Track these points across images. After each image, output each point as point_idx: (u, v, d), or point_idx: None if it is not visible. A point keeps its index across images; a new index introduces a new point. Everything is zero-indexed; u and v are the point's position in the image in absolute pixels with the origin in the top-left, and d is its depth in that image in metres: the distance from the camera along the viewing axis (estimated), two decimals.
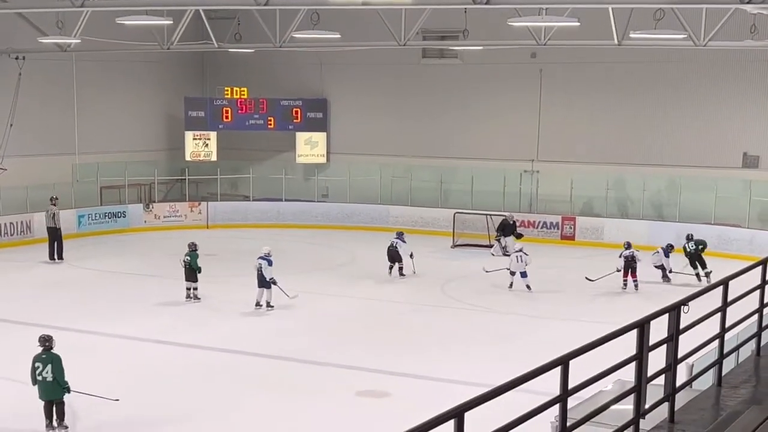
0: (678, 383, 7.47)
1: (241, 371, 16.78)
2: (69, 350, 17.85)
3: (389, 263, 25.37)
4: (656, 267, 24.87)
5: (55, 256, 27.24)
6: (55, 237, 27.36)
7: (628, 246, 24.15)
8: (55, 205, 27.72)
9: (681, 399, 7.70)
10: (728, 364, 8.80)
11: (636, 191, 31.36)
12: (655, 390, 7.22)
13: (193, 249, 21.99)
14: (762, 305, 9.33)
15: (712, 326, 8.18)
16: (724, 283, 8.17)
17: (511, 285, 23.87)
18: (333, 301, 22.56)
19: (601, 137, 32.30)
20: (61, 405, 13.37)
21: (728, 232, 28.51)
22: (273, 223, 33.79)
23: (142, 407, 14.81)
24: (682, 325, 7.26)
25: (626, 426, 6.72)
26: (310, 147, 36.43)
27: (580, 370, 6.06)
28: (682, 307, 7.22)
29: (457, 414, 4.72)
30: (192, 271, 21.84)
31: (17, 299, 22.47)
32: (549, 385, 6.10)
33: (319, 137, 36.45)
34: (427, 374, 16.46)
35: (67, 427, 13.45)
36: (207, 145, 35.75)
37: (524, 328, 20.34)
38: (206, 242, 30.73)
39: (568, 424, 5.87)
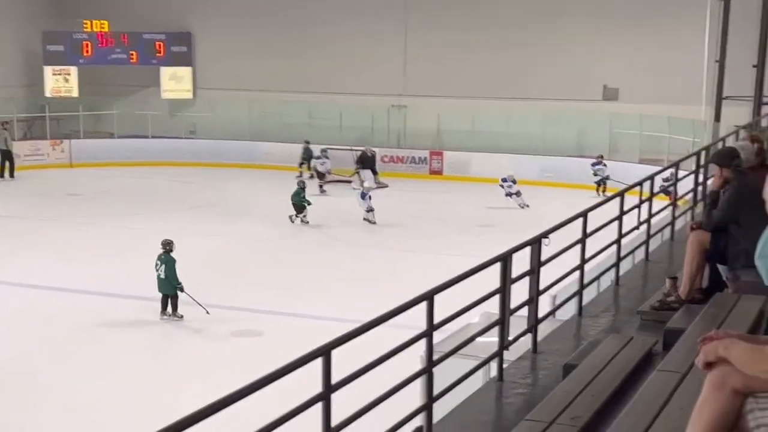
0: (541, 314, 7.71)
1: (113, 313, 16.51)
2: None
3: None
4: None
5: (6, 175, 30.60)
6: (6, 157, 30.69)
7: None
8: (6, 129, 31.00)
9: (544, 329, 7.95)
10: (589, 294, 9.10)
11: (500, 125, 31.81)
12: (520, 321, 7.44)
13: (301, 187, 24.60)
14: (620, 236, 9.67)
15: (574, 258, 8.45)
16: (583, 215, 8.39)
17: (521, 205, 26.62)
18: (206, 240, 22.28)
19: (467, 71, 32.48)
20: (174, 299, 15.92)
21: (590, 165, 29.27)
22: (140, 161, 33.09)
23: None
24: (543, 258, 7.47)
25: (491, 358, 6.92)
26: (175, 82, 35.70)
27: (447, 303, 6.19)
28: (543, 239, 7.40)
29: (325, 352, 4.76)
30: (296, 205, 24.36)
31: None
32: (418, 318, 6.22)
33: (185, 72, 35.76)
34: (301, 312, 16.50)
35: (181, 316, 15.91)
36: (67, 80, 34.64)
37: (394, 263, 20.56)
38: (70, 182, 30.05)
39: (434, 357, 6.01)
